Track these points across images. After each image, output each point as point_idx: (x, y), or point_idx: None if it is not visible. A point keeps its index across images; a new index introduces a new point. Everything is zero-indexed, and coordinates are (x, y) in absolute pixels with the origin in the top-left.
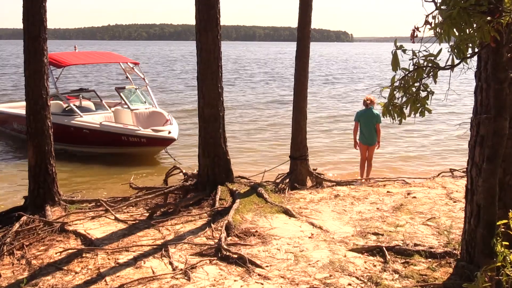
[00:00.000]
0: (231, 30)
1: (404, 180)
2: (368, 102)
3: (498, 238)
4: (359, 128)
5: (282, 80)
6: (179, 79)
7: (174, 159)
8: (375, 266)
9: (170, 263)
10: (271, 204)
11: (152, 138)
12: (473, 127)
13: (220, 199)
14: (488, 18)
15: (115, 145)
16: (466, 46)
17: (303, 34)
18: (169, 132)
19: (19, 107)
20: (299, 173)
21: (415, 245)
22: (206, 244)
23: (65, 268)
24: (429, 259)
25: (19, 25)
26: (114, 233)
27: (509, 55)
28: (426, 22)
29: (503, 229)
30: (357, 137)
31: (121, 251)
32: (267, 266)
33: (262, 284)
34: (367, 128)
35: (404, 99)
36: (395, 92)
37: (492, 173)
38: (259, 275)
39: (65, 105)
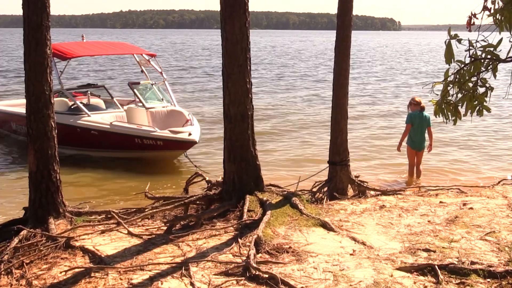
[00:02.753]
0: (261, 17)
1: (459, 189)
2: (423, 105)
3: None
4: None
5: (319, 74)
6: (201, 73)
7: (195, 165)
8: (426, 287)
9: (191, 284)
10: (307, 216)
11: (170, 140)
12: None
13: (248, 211)
14: None
15: (127, 148)
16: None
17: (344, 22)
18: (190, 134)
19: (18, 105)
20: (339, 181)
21: (472, 263)
22: (232, 262)
23: None
24: (488, 279)
25: (19, 11)
26: (127, 250)
27: None
28: (485, 8)
29: None
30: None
31: (135, 270)
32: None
33: None
34: (419, 131)
35: (459, 95)
36: (449, 88)
37: None
38: None
39: (70, 103)
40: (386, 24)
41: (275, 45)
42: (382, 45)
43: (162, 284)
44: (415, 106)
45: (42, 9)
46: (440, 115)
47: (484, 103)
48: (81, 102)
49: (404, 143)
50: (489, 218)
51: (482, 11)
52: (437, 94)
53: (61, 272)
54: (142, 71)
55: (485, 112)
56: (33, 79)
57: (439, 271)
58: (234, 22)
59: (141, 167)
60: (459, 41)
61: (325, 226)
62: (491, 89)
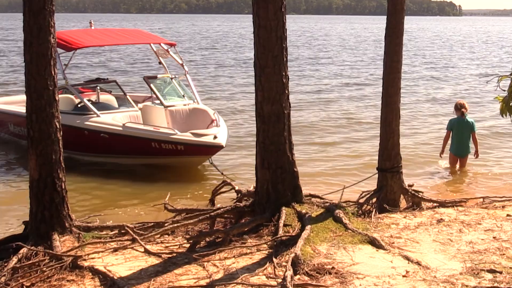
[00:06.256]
0: (299, 0)
1: None
2: (464, 110)
3: None
4: (450, 138)
5: (367, 66)
6: (230, 66)
7: (222, 173)
8: None
9: None
10: (352, 231)
11: (192, 144)
12: None
13: (284, 225)
14: None
15: (143, 154)
16: None
17: (395, 6)
18: (215, 137)
19: (17, 103)
20: (390, 191)
21: None
22: (266, 285)
23: None
24: None
25: None
26: (144, 270)
27: None
28: None
29: None
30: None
31: None
32: None
33: None
34: (460, 138)
35: None
36: None
37: None
38: None
39: (77, 101)
40: (445, 9)
41: (315, 32)
42: (441, 32)
43: None
44: (458, 111)
45: None
46: (507, 114)
47: None
48: (89, 100)
49: (447, 149)
50: None
51: None
52: (504, 90)
53: None
54: (160, 63)
55: None
56: (35, 72)
57: None
58: (268, 6)
59: (160, 175)
60: None
61: (373, 243)
62: None
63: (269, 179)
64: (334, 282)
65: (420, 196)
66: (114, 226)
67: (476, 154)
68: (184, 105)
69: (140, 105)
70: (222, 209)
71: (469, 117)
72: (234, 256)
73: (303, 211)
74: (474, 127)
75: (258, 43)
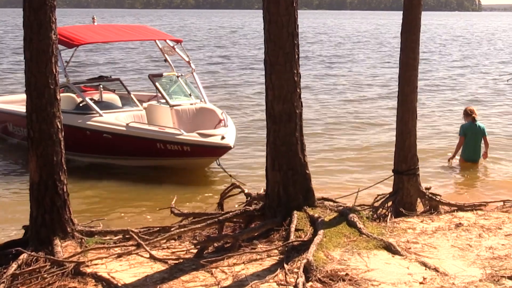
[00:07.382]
0: None
1: None
2: (475, 115)
3: None
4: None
5: (382, 64)
6: (238, 63)
7: (230, 175)
8: None
9: None
10: (367, 236)
11: (199, 145)
12: None
13: (296, 230)
14: None
15: (148, 155)
16: None
17: (412, 1)
18: (223, 137)
19: (17, 102)
20: (407, 194)
21: None
22: None
23: None
24: None
25: None
26: (149, 277)
27: None
28: None
29: None
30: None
31: None
32: None
33: None
34: (474, 143)
35: None
36: None
37: None
38: None
39: (78, 100)
40: (464, 4)
41: (327, 28)
42: (460, 29)
43: None
44: (468, 117)
45: None
46: None
47: None
48: (91, 99)
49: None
50: None
51: None
52: None
53: None
54: (165, 60)
55: None
56: (35, 70)
57: None
58: (280, 1)
59: (165, 177)
60: None
61: (389, 248)
62: None
63: (280, 182)
64: None
65: (437, 199)
66: (118, 231)
67: (485, 155)
68: (191, 104)
69: (145, 104)
70: (231, 213)
71: (479, 122)
72: (243, 262)
73: (316, 215)
74: (485, 131)
75: (269, 40)
